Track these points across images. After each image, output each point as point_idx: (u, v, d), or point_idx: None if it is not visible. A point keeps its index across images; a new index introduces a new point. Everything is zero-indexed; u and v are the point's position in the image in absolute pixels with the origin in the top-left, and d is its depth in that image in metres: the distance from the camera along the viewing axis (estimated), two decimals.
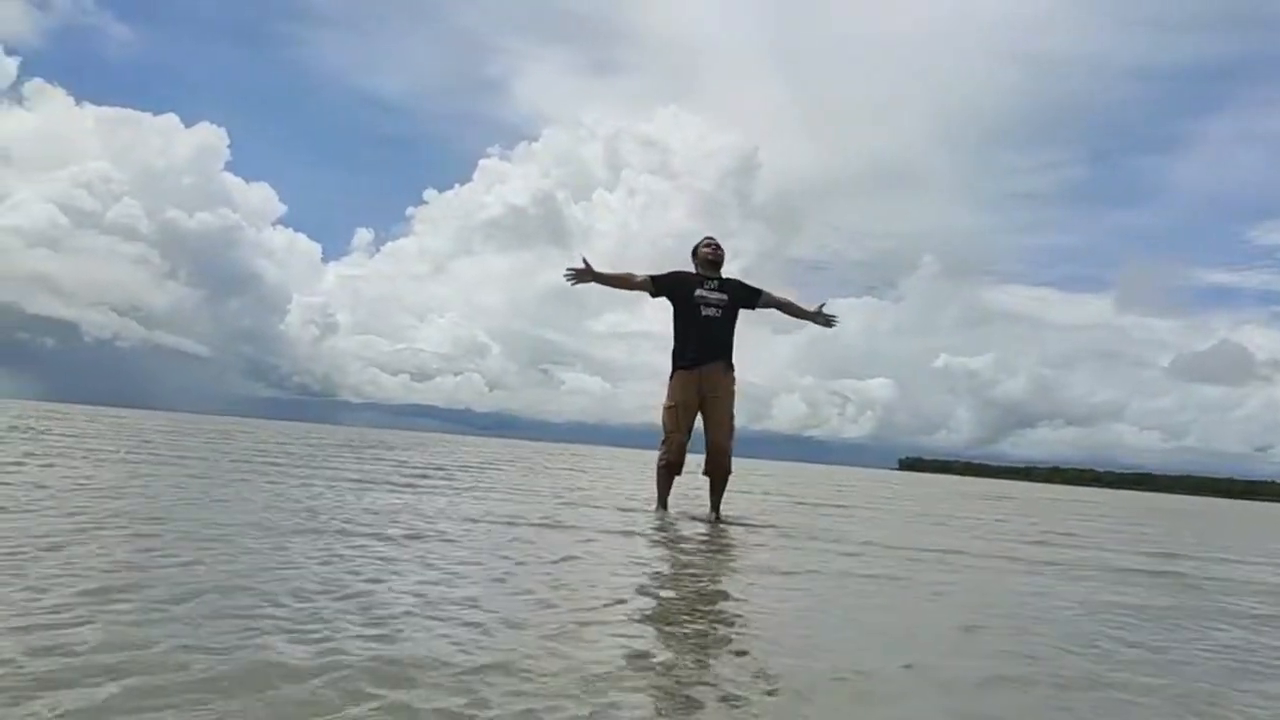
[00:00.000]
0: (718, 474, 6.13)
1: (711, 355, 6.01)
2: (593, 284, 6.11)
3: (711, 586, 3.15)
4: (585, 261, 6.03)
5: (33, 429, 11.74)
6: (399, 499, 5.55)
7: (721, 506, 6.12)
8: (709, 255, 6.19)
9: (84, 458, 7.05)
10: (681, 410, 6.01)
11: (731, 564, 3.87)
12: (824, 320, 6.24)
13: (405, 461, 11.27)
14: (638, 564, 3.54)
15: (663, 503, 6.19)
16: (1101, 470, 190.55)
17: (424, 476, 8.19)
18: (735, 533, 5.21)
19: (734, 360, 6.09)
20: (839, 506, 9.25)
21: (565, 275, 6.13)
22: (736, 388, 6.10)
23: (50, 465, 5.96)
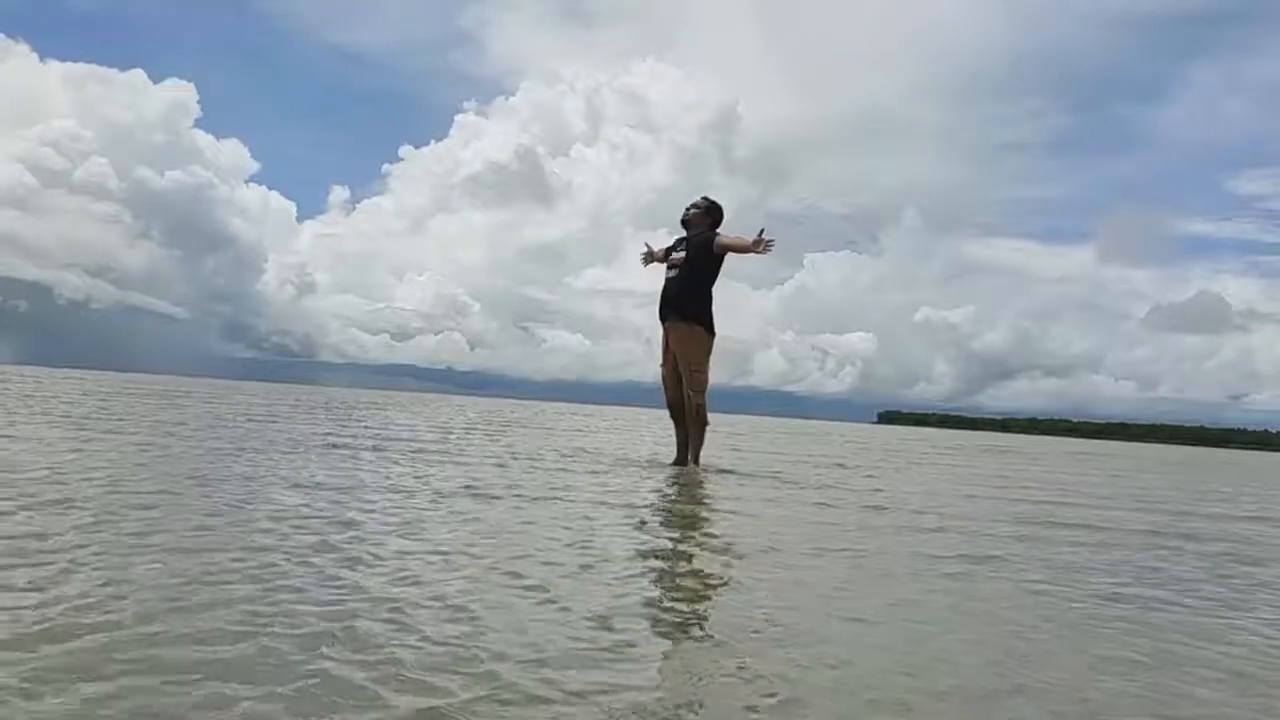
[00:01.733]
0: (689, 423, 6.48)
1: (667, 313, 6.41)
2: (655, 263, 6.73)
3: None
4: (648, 245, 6.79)
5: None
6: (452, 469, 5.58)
7: (702, 456, 6.50)
8: (682, 216, 6.62)
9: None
10: (664, 368, 6.57)
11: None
12: (763, 247, 6.18)
13: (414, 425, 11.26)
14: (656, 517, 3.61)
15: (679, 455, 6.57)
16: (1078, 420, 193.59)
17: (447, 441, 8.19)
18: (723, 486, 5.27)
19: (702, 314, 6.32)
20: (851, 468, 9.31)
21: (641, 257, 6.80)
22: (715, 342, 6.37)
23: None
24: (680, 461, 6.50)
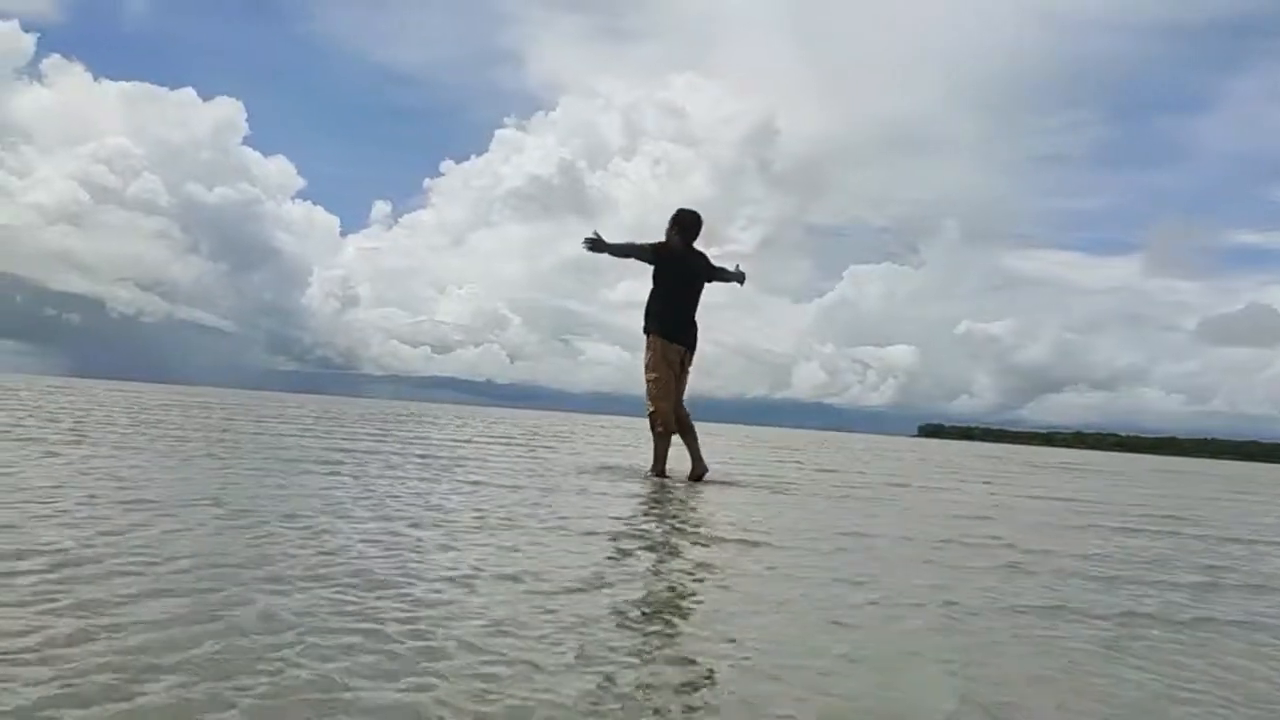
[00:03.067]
0: (673, 434, 6.77)
1: None
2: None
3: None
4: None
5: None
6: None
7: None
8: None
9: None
10: None
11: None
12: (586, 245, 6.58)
13: (472, 439, 11.54)
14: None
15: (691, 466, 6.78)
16: (1125, 434, 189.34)
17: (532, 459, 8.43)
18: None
19: (647, 322, 6.70)
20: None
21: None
22: (646, 352, 6.68)
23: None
24: (695, 473, 6.65)
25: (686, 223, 6.69)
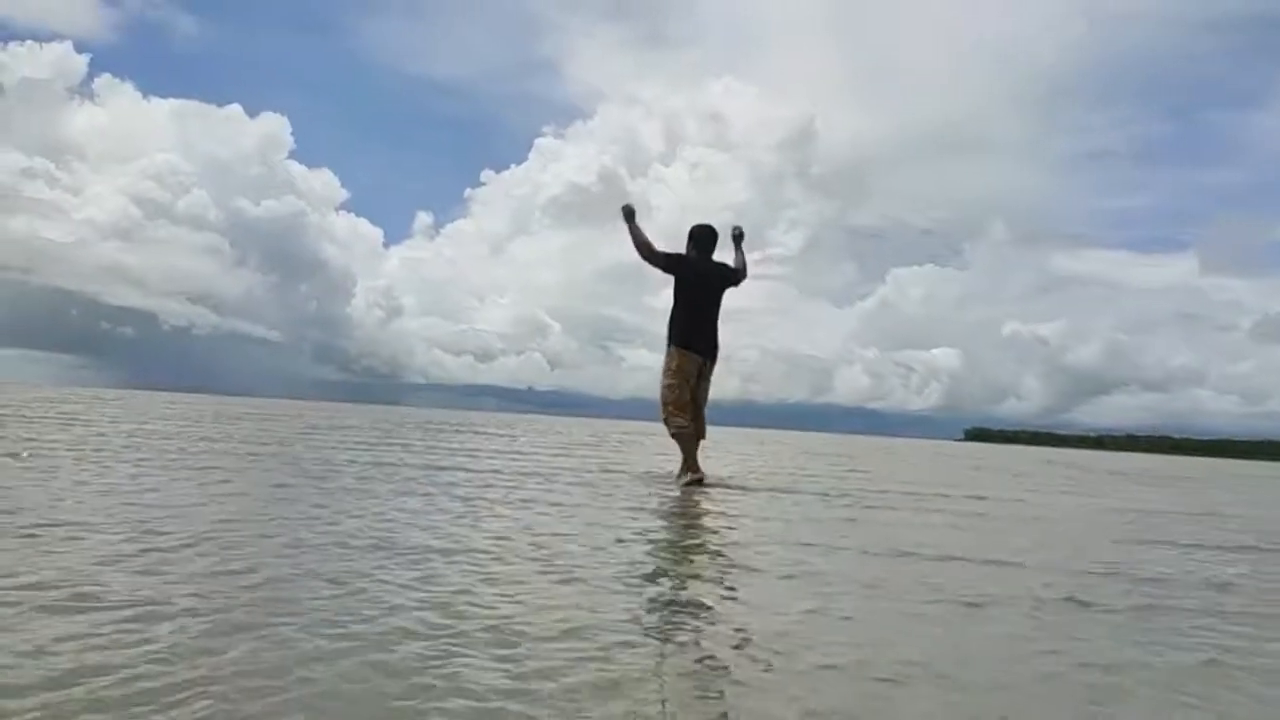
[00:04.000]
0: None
1: None
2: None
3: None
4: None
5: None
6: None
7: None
8: None
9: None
10: None
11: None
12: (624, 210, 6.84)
13: (535, 449, 11.62)
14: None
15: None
16: (1179, 437, 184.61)
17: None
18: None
19: (668, 334, 6.92)
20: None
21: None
22: (665, 360, 6.89)
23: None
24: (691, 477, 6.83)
25: (699, 236, 6.97)
